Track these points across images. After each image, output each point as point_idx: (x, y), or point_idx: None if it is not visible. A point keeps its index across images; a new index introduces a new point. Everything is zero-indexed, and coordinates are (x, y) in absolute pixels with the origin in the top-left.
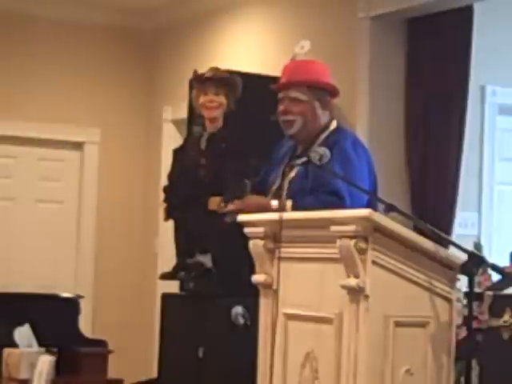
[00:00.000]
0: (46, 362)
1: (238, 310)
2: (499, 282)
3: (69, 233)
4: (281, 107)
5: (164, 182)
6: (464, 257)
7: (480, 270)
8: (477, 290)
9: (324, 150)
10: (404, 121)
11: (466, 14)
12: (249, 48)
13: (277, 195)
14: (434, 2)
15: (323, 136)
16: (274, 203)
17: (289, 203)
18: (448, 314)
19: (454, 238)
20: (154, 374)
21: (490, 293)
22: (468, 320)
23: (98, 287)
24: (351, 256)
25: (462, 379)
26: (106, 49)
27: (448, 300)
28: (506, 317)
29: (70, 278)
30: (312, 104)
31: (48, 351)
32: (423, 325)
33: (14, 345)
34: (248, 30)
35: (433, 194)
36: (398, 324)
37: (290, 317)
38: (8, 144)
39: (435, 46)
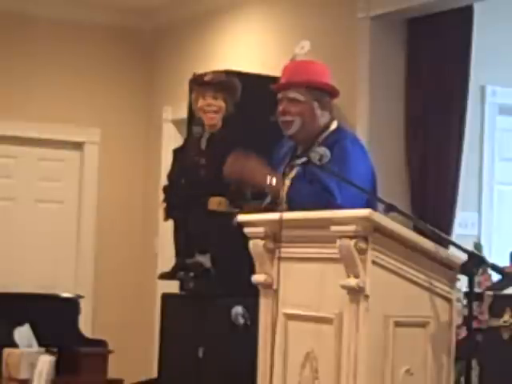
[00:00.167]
0: (46, 362)
1: (238, 310)
2: (499, 281)
3: (69, 233)
4: (280, 108)
5: (164, 181)
6: (464, 257)
7: (480, 270)
8: (477, 290)
9: (324, 150)
10: (404, 121)
11: (466, 13)
12: (249, 48)
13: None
14: (434, 1)
15: (323, 136)
16: (273, 180)
17: (287, 182)
18: (448, 314)
19: (454, 238)
20: (154, 374)
21: (490, 293)
22: (468, 320)
23: (98, 287)
24: (351, 256)
25: (462, 379)
26: (106, 49)
27: (448, 300)
28: (506, 317)
29: (70, 278)
30: (311, 104)
31: (48, 351)
32: (423, 325)
33: (14, 345)
34: (248, 29)
35: (433, 194)
36: (397, 324)
37: (290, 317)
38: (8, 144)
39: (435, 46)
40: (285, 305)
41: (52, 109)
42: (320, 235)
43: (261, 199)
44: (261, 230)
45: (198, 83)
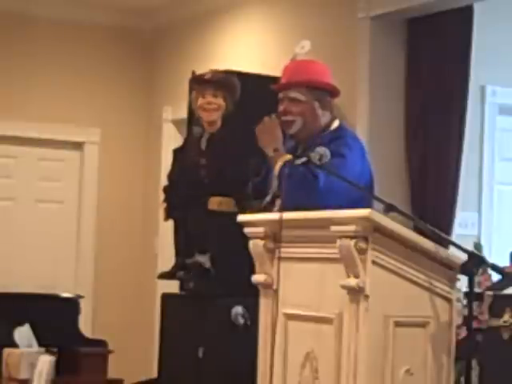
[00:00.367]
0: (46, 362)
1: (238, 310)
2: (499, 281)
3: (69, 233)
4: (280, 107)
5: (164, 182)
6: (464, 257)
7: (480, 270)
8: (477, 290)
9: (324, 150)
10: (404, 121)
11: (466, 13)
12: (249, 48)
13: (276, 195)
14: (434, 1)
15: (324, 136)
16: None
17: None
18: (448, 314)
19: (453, 238)
20: (154, 374)
21: (490, 293)
22: (468, 320)
23: (98, 287)
24: (351, 256)
25: (462, 379)
26: (106, 49)
27: (448, 300)
28: (506, 317)
29: (70, 278)
30: (311, 104)
31: (48, 351)
32: (423, 325)
33: (14, 345)
34: (248, 30)
35: (433, 194)
36: (397, 324)
37: (290, 317)
38: (8, 144)
39: (435, 46)
40: (285, 305)
41: (52, 109)
42: (320, 235)
43: (261, 199)
44: (261, 229)
45: (198, 82)
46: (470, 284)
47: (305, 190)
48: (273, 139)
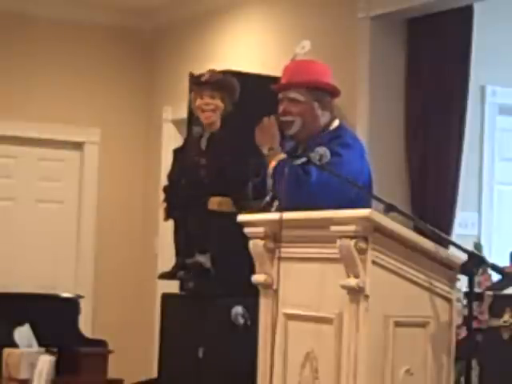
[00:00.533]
0: (46, 362)
1: (238, 309)
2: (499, 281)
3: (69, 233)
4: (280, 108)
5: (164, 182)
6: (464, 257)
7: (480, 270)
8: (477, 290)
9: (324, 150)
10: (404, 121)
11: (466, 13)
12: (249, 48)
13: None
14: (434, 1)
15: (323, 135)
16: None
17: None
18: (448, 314)
19: (453, 238)
20: (154, 374)
21: (490, 293)
22: (468, 320)
23: (98, 287)
24: (351, 256)
25: (462, 379)
26: (106, 49)
27: (448, 300)
28: (506, 317)
29: (70, 278)
30: (311, 104)
31: (48, 351)
32: (423, 325)
33: (14, 345)
34: (248, 29)
35: (433, 194)
36: (397, 324)
37: (290, 317)
38: (8, 144)
39: (435, 46)
40: (285, 305)
41: (52, 109)
42: (320, 235)
43: (261, 199)
44: (261, 229)
45: (196, 83)
46: (470, 284)
47: (298, 187)
48: (269, 138)
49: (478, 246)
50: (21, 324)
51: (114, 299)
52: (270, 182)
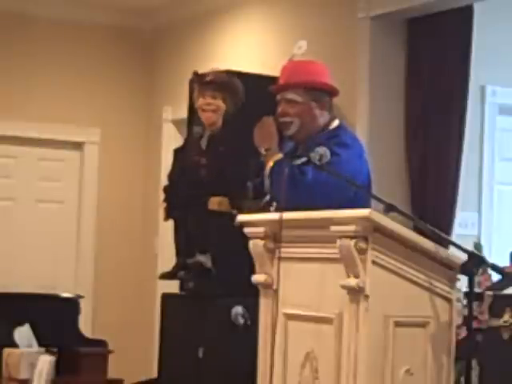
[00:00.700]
0: (46, 362)
1: (238, 309)
2: (499, 281)
3: (69, 233)
4: (278, 109)
5: (164, 182)
6: (464, 257)
7: (480, 270)
8: (477, 290)
9: (324, 150)
10: (404, 121)
11: (466, 13)
12: (249, 48)
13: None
14: (434, 1)
15: (321, 135)
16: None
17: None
18: (448, 314)
19: (453, 238)
20: (154, 374)
21: (490, 293)
22: (468, 320)
23: (98, 287)
24: (351, 256)
25: (462, 379)
26: (106, 49)
27: (448, 300)
28: (506, 317)
29: (70, 278)
30: (309, 105)
31: (48, 351)
32: (423, 325)
33: (14, 345)
34: (248, 30)
35: (433, 194)
36: (397, 324)
37: (290, 317)
38: (8, 144)
39: (435, 46)
40: (285, 305)
41: (52, 109)
42: (320, 235)
43: (260, 198)
44: (261, 230)
45: (199, 82)
46: (470, 284)
47: (293, 187)
48: (266, 139)
49: (478, 245)
50: (21, 324)
51: (114, 299)
52: (267, 182)
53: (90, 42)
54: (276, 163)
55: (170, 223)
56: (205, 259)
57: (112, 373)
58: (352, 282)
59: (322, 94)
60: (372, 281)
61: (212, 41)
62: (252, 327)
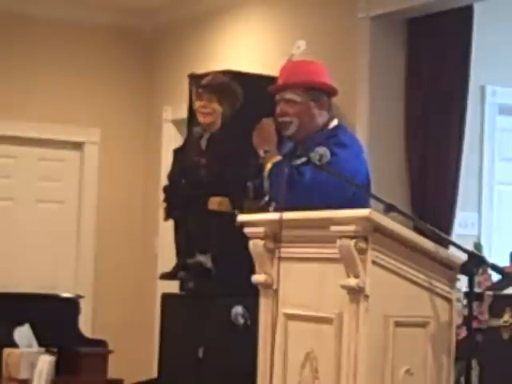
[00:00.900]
0: (45, 362)
1: (238, 309)
2: (499, 281)
3: (69, 233)
4: (277, 109)
5: (164, 182)
6: (464, 257)
7: (480, 270)
8: (477, 290)
9: (324, 150)
10: (404, 121)
11: (466, 13)
12: (249, 48)
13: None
14: (434, 1)
15: (320, 135)
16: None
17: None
18: (448, 314)
19: (453, 238)
20: (154, 374)
21: (490, 293)
22: (468, 320)
23: (98, 287)
24: (351, 256)
25: (462, 379)
26: (106, 49)
27: (448, 300)
28: (506, 317)
29: (70, 278)
30: (307, 105)
31: (48, 351)
32: (423, 325)
33: (14, 345)
34: (248, 30)
35: (433, 194)
36: (398, 324)
37: (290, 317)
38: (8, 144)
39: (435, 46)
40: (285, 305)
41: (52, 109)
42: (320, 235)
43: (260, 198)
44: (261, 229)
45: (196, 84)
46: (470, 284)
47: (293, 188)
48: (265, 140)
49: (478, 245)
50: (21, 324)
51: (114, 299)
52: (266, 184)
53: (89, 42)
54: (274, 165)
55: (170, 223)
56: (205, 259)
57: (112, 373)
58: (352, 281)
59: (321, 93)
60: (372, 281)
61: (212, 41)
62: (252, 327)
